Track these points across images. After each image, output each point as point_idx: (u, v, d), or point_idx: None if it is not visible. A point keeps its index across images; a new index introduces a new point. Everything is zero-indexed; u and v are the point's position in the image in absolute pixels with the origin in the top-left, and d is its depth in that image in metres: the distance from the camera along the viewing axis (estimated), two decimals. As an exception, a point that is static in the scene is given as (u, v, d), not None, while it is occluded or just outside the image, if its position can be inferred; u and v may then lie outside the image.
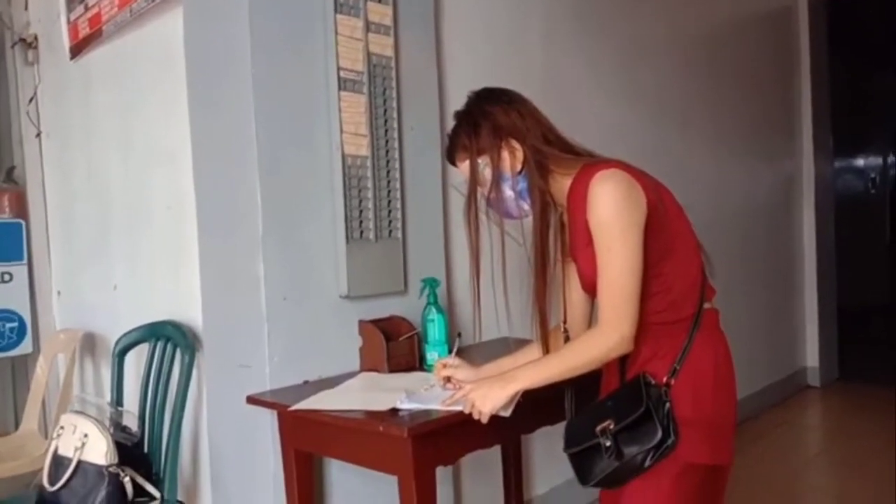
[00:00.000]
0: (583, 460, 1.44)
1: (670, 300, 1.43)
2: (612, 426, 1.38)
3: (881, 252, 7.30)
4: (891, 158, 7.69)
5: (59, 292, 2.93)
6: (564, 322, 1.63)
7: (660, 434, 1.35)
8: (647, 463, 1.36)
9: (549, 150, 1.49)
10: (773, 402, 4.29)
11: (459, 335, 1.76)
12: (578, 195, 1.43)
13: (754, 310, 4.15)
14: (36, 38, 2.90)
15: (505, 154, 1.49)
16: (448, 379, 1.68)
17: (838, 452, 3.71)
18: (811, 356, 4.80)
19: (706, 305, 1.47)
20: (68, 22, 2.56)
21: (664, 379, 1.40)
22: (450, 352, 1.83)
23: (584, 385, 1.55)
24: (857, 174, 7.29)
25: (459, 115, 1.56)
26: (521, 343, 1.72)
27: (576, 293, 1.60)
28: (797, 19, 4.76)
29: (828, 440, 4.07)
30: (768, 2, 4.55)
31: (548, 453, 2.66)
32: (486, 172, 1.51)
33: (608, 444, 1.38)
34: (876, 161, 7.56)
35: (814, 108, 4.76)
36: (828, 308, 4.83)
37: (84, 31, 2.48)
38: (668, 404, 1.37)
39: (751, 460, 3.36)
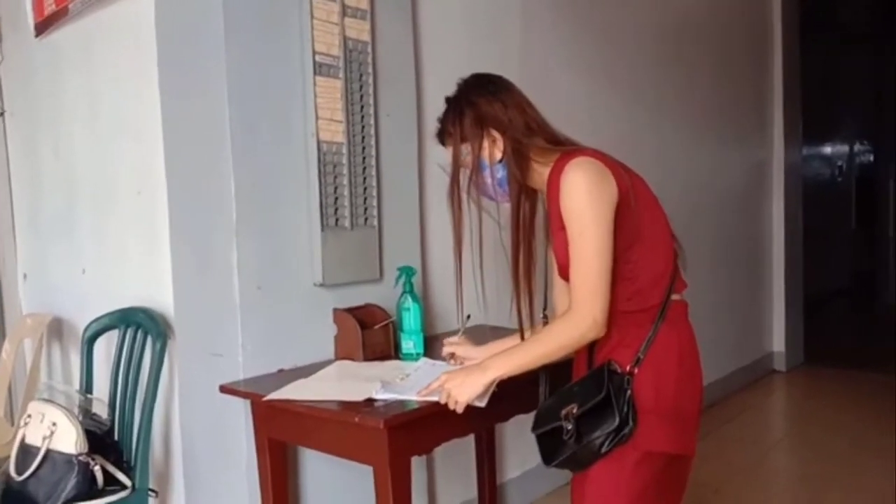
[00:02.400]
0: (547, 442, 1.48)
1: (637, 288, 1.46)
2: (574, 410, 1.42)
3: (846, 238, 7.47)
4: (857, 147, 7.84)
5: (24, 275, 2.86)
6: (545, 309, 1.65)
7: (617, 420, 1.39)
8: (605, 448, 1.40)
9: (530, 140, 1.52)
10: (739, 387, 4.38)
11: (468, 316, 1.78)
12: (554, 183, 1.46)
13: (722, 295, 4.22)
14: (-1, 14, 2.81)
15: (486, 143, 1.53)
16: (452, 355, 1.76)
17: (803, 435, 3.81)
18: (777, 341, 4.89)
19: (675, 297, 1.50)
20: (33, -2, 2.48)
21: (628, 367, 1.43)
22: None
23: (558, 371, 1.57)
24: (825, 161, 7.42)
25: (448, 101, 1.60)
26: (498, 331, 1.73)
27: (559, 280, 1.62)
28: (770, 6, 4.79)
29: (792, 423, 4.17)
30: (742, -11, 4.58)
31: (520, 437, 2.68)
32: (468, 159, 1.55)
33: (569, 427, 1.41)
34: (843, 149, 7.70)
35: (785, 95, 4.81)
36: (794, 293, 4.92)
37: (50, 7, 2.40)
38: (628, 392, 1.41)
39: (717, 444, 3.43)
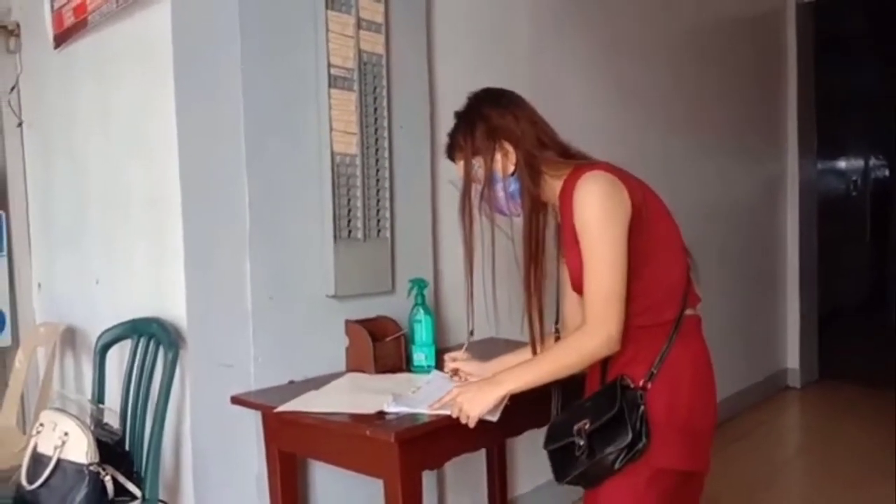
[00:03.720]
0: (559, 458, 1.46)
1: (650, 302, 1.45)
2: (587, 426, 1.40)
3: (862, 254, 7.40)
4: (872, 161, 7.78)
5: (39, 285, 2.88)
6: (556, 323, 1.64)
7: (630, 436, 1.37)
8: (618, 464, 1.38)
9: (541, 153, 1.52)
10: (752, 403, 4.33)
11: (472, 332, 1.78)
12: (567, 197, 1.45)
13: (735, 310, 4.18)
14: (18, 25, 2.85)
15: (498, 156, 1.53)
16: (456, 372, 1.73)
17: (816, 453, 3.75)
18: (791, 357, 4.84)
19: (688, 312, 1.48)
20: (52, 10, 2.51)
21: (641, 382, 1.42)
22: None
23: (571, 386, 1.56)
24: (840, 176, 7.36)
25: (458, 115, 1.59)
26: (511, 344, 1.72)
27: (571, 294, 1.61)
28: (784, 22, 4.78)
29: (806, 441, 4.12)
30: (755, 4, 4.57)
31: (531, 452, 2.66)
32: (480, 173, 1.54)
33: (581, 443, 1.40)
34: (857, 163, 7.65)
35: (799, 110, 4.79)
36: (809, 309, 4.87)
37: (69, 20, 2.43)
38: (642, 408, 1.39)
39: (729, 460, 3.38)
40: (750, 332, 4.46)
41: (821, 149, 5.16)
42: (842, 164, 7.41)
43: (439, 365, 1.98)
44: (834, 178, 7.17)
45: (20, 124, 2.89)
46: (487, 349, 1.82)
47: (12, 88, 2.88)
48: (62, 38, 2.50)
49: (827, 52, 5.10)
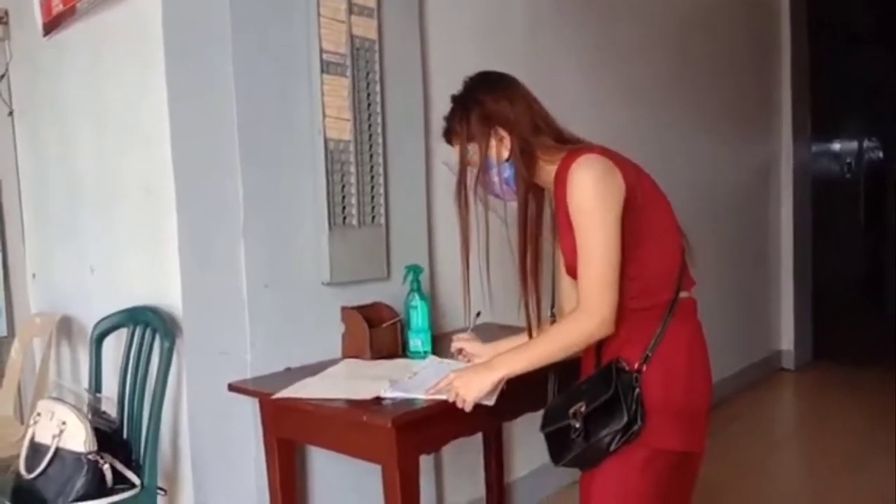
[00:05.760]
0: (556, 441, 1.47)
1: (645, 285, 1.45)
2: (583, 408, 1.41)
3: (856, 236, 7.42)
4: (866, 143, 7.79)
5: (34, 275, 2.87)
6: (552, 307, 1.65)
7: (626, 418, 1.38)
8: (614, 446, 1.39)
9: (536, 139, 1.51)
10: (747, 385, 4.36)
11: (479, 313, 1.80)
12: (561, 181, 1.45)
13: (730, 292, 4.20)
14: (6, 13, 2.81)
15: (493, 142, 1.52)
16: (461, 350, 1.75)
17: (811, 434, 3.79)
18: (786, 339, 4.88)
19: (683, 294, 1.49)
20: (40, -3, 2.48)
21: (636, 365, 1.42)
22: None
23: (567, 369, 1.56)
24: (834, 158, 7.37)
25: (454, 100, 1.59)
26: (507, 329, 1.73)
27: (566, 278, 1.61)
28: (779, 4, 4.77)
29: (801, 422, 4.16)
30: (750, -14, 4.56)
31: (528, 435, 2.67)
32: (475, 158, 1.54)
33: (577, 425, 1.41)
34: (851, 145, 7.65)
35: (793, 93, 4.79)
36: (803, 291, 4.90)
37: (58, 7, 2.40)
38: (637, 390, 1.40)
39: (724, 442, 3.41)
40: (744, 314, 4.48)
41: (815, 131, 5.16)
42: (836, 146, 7.41)
43: (435, 350, 1.99)
44: (828, 161, 7.17)
45: (10, 113, 2.87)
46: (484, 335, 1.82)
47: (1, 77, 2.84)
48: (51, 25, 2.48)
49: (821, 35, 5.09)
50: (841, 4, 5.97)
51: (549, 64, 2.93)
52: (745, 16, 4.47)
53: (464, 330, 1.84)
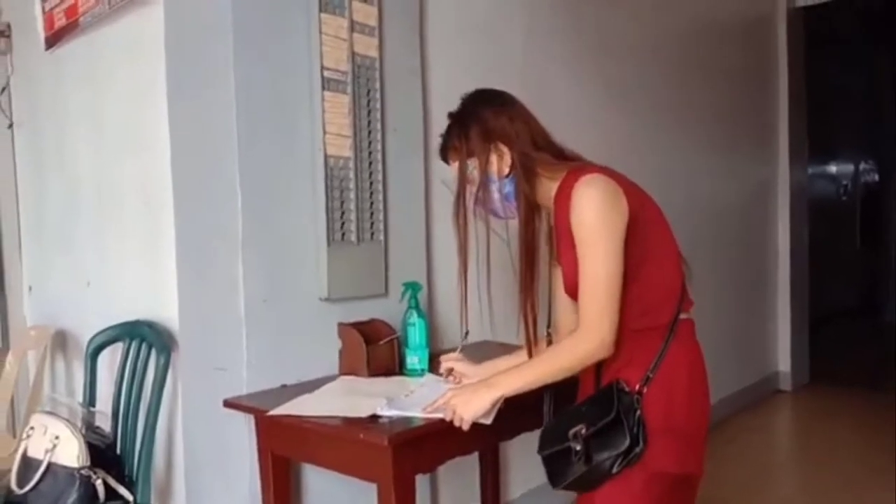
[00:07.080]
0: (555, 463, 1.45)
1: (646, 306, 1.45)
2: (583, 431, 1.39)
3: (851, 257, 7.44)
4: (862, 166, 7.83)
5: (30, 287, 2.86)
6: (549, 326, 1.64)
7: (628, 441, 1.37)
8: (615, 469, 1.38)
9: (537, 154, 1.51)
10: (743, 407, 4.34)
11: (467, 333, 1.79)
12: (563, 199, 1.45)
13: (726, 314, 4.20)
14: (9, 26, 2.83)
15: (493, 158, 1.52)
16: (450, 371, 1.73)
17: (807, 456, 3.77)
18: (782, 360, 4.86)
19: (683, 315, 1.48)
20: (43, 12, 2.49)
21: (637, 386, 1.41)
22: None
23: (563, 390, 1.55)
24: (830, 181, 7.41)
25: (452, 117, 1.58)
26: (505, 347, 1.72)
27: (563, 297, 1.60)
28: (775, 25, 4.81)
29: (797, 444, 4.14)
30: (747, 8, 4.59)
31: (524, 456, 2.66)
32: (475, 174, 1.53)
33: (578, 448, 1.39)
34: (847, 168, 7.69)
35: (790, 115, 4.81)
36: (800, 313, 4.90)
37: (60, 21, 2.42)
38: (638, 412, 1.39)
39: (720, 464, 3.39)
40: (741, 336, 4.47)
41: (811, 153, 5.19)
42: (832, 168, 7.45)
43: (433, 368, 1.98)
44: (824, 182, 7.22)
45: (11, 125, 2.87)
46: (481, 352, 1.82)
47: (3, 89, 2.85)
48: (53, 39, 2.49)
49: (818, 57, 5.13)
50: (839, 27, 6.04)
51: (549, 81, 2.95)
52: (742, 37, 4.51)
53: (453, 349, 1.82)
